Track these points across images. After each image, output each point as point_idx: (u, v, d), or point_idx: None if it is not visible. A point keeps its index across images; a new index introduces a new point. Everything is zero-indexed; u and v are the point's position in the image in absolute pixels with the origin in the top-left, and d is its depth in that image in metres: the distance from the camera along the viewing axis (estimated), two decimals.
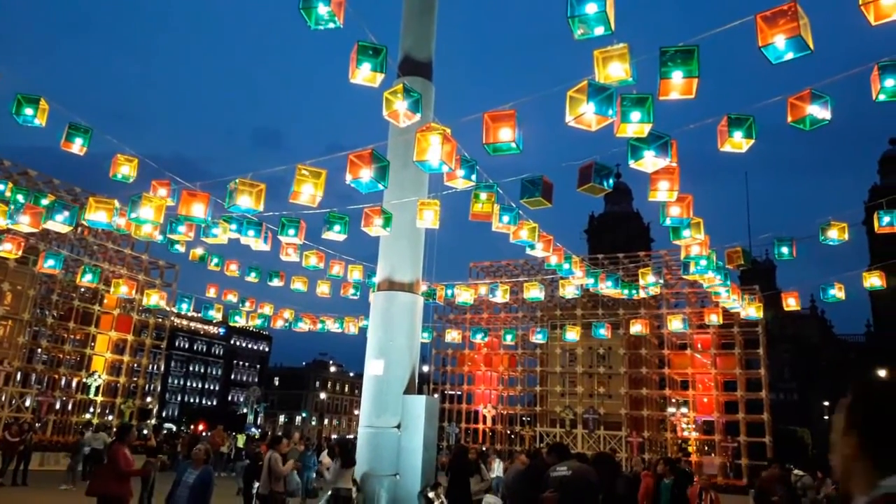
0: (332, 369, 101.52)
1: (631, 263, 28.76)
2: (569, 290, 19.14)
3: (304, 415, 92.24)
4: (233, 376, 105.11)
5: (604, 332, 23.67)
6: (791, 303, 17.88)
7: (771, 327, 46.56)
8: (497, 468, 19.09)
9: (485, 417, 35.06)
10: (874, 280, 15.84)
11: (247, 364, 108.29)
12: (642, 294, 20.61)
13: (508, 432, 35.21)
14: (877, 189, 61.77)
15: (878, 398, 1.85)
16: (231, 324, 30.43)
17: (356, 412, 70.52)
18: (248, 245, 13.84)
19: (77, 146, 10.55)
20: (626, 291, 19.21)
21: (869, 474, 1.70)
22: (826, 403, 60.91)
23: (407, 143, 12.57)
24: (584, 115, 7.73)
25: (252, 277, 19.07)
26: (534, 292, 20.31)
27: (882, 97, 8.36)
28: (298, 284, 19.73)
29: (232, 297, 22.15)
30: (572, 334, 25.32)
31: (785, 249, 13.74)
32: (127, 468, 8.66)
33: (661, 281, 20.69)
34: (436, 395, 27.19)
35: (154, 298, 22.36)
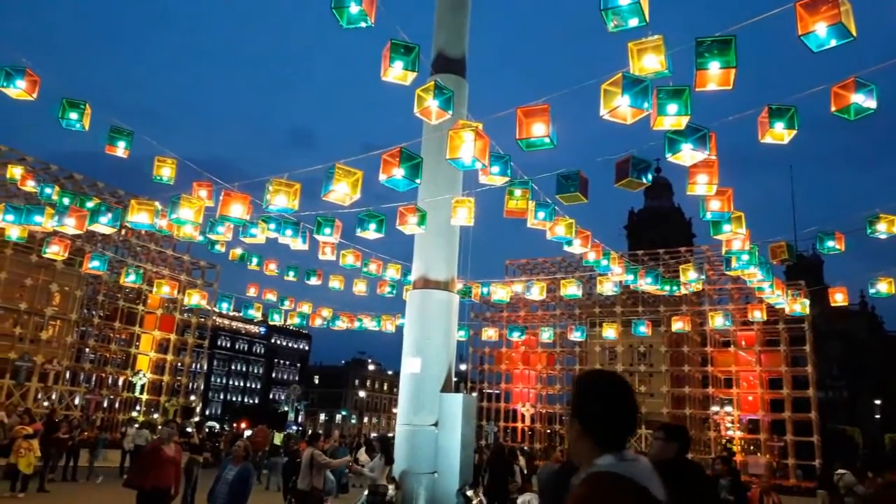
0: (371, 367, 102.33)
1: (671, 259, 28.27)
2: (607, 287, 18.89)
3: (343, 413, 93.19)
4: (274, 375, 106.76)
5: (644, 329, 23.31)
6: (839, 298, 17.34)
7: (818, 323, 45.28)
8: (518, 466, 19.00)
9: (523, 416, 34.89)
10: None
11: (287, 363, 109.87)
12: (683, 290, 20.23)
13: (548, 431, 34.96)
14: None
15: (586, 386, 2.12)
16: (271, 323, 30.84)
17: (394, 410, 71.12)
18: (287, 244, 14.02)
19: (120, 149, 10.81)
20: (666, 288, 18.89)
21: (590, 453, 1.98)
22: (877, 402, 59.04)
23: (440, 140, 12.55)
24: (618, 108, 7.60)
25: (291, 276, 19.32)
26: (571, 289, 20.10)
27: None
28: (336, 283, 19.92)
29: (271, 297, 22.48)
30: (611, 332, 25.01)
31: (831, 243, 13.32)
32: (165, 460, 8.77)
33: (703, 277, 20.28)
34: (473, 394, 27.15)
35: (195, 298, 22.83)
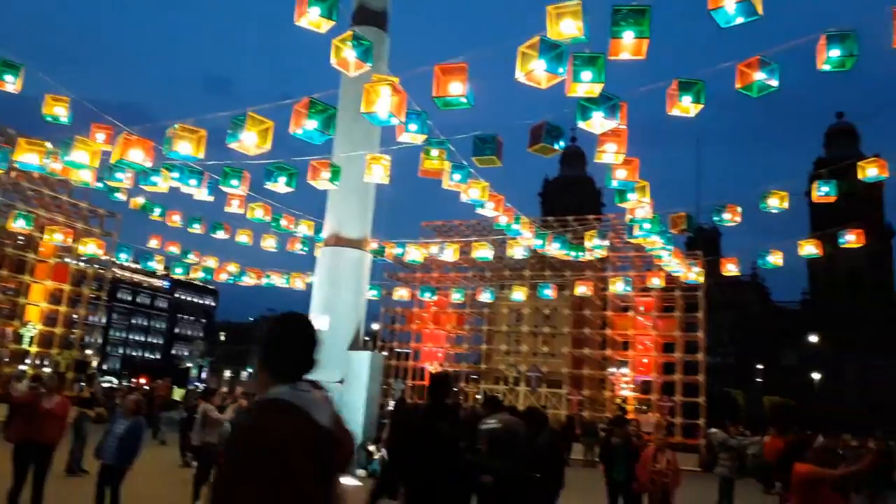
0: None
1: (580, 226, 29.07)
2: (517, 251, 19.26)
3: (249, 370, 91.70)
4: (177, 330, 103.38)
5: (549, 292, 24.00)
6: (731, 268, 18.43)
7: (712, 292, 48.03)
8: None
9: (430, 374, 35.46)
10: (810, 248, 16.40)
11: (192, 318, 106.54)
12: (588, 256, 20.91)
13: (454, 389, 35.72)
14: (821, 161, 63.62)
15: (268, 326, 2.37)
16: (175, 276, 29.71)
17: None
18: (191, 195, 13.42)
19: (10, 84, 10.03)
20: (573, 253, 19.47)
21: (266, 384, 2.24)
22: (761, 367, 63.68)
23: (358, 94, 12.27)
24: (534, 71, 7.63)
25: (196, 228, 18.57)
26: (483, 252, 20.41)
27: (826, 67, 8.49)
28: (244, 237, 19.32)
29: (174, 249, 21.58)
30: (519, 294, 25.62)
31: (727, 216, 14.06)
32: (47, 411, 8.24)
33: (607, 243, 21.01)
34: (383, 353, 27.28)
35: (90, 247, 21.62)
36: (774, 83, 8.67)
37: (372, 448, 14.86)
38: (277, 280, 24.56)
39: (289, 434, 2.07)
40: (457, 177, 12.13)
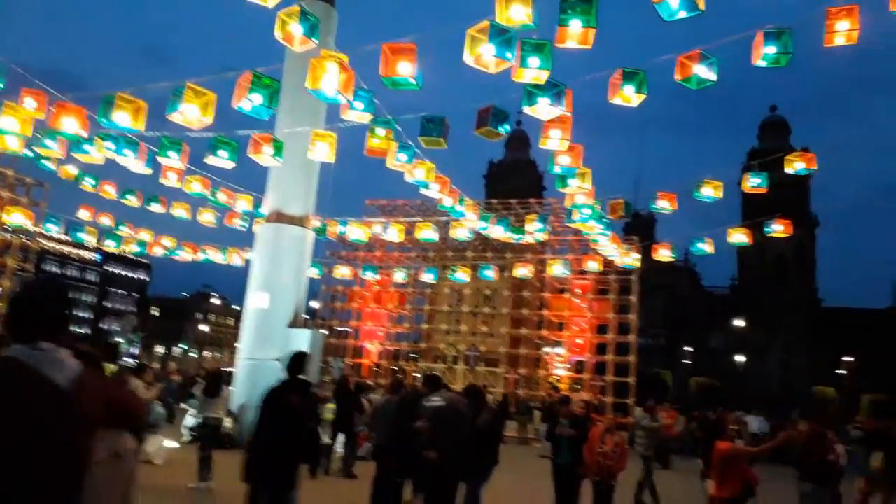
0: (216, 301, 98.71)
1: (522, 209, 29.45)
2: (461, 233, 19.41)
3: (183, 346, 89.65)
4: (108, 304, 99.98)
5: (491, 273, 24.31)
6: (664, 254, 19.05)
7: (646, 276, 49.50)
8: None
9: (371, 353, 35.49)
10: (740, 236, 17.11)
11: (123, 293, 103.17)
12: (529, 239, 21.25)
13: (393, 368, 35.87)
14: (754, 151, 66.04)
15: (17, 292, 2.48)
16: (106, 249, 28.62)
17: (238, 345, 69.35)
18: (127, 166, 12.96)
19: None
20: (514, 236, 19.75)
21: (8, 344, 2.27)
22: (689, 349, 66.22)
23: (303, 69, 12.05)
24: (483, 56, 7.69)
25: (130, 200, 17.96)
26: (427, 233, 20.46)
27: (762, 63, 8.84)
28: (180, 211, 18.77)
29: (107, 221, 20.79)
30: (461, 275, 25.86)
31: (662, 203, 14.52)
32: None
33: (548, 227, 21.39)
34: (323, 331, 27.12)
35: (16, 217, 20.65)
36: (713, 77, 8.98)
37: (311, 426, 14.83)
38: (215, 255, 24.01)
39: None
40: (402, 157, 12.11)
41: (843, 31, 8.61)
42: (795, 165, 13.88)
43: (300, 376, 5.76)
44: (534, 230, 19.26)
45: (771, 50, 8.72)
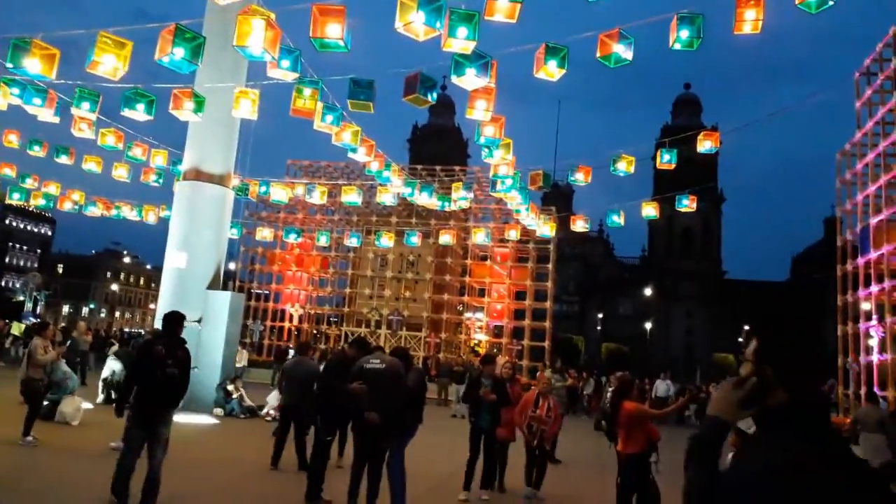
0: (127, 260, 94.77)
1: (447, 177, 29.74)
2: (386, 198, 19.46)
3: (91, 306, 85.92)
4: (8, 260, 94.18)
5: (415, 240, 24.54)
6: (579, 225, 19.83)
7: (562, 246, 51.13)
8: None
9: (291, 316, 35.25)
10: (650, 210, 17.99)
11: (25, 248, 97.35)
12: (453, 206, 21.57)
13: (315, 331, 35.80)
14: (668, 128, 68.62)
15: None
16: (10, 202, 27.02)
17: (152, 306, 67.00)
18: (34, 115, 12.30)
19: None
20: (439, 203, 20.00)
21: None
22: (600, 315, 69.00)
23: (226, 23, 11.76)
24: (412, 23, 7.78)
25: (36, 151, 17.03)
26: (352, 196, 20.40)
27: (677, 46, 9.33)
28: (91, 165, 17.94)
29: (9, 172, 19.63)
30: (386, 240, 25.98)
31: (578, 176, 15.08)
32: None
33: (472, 196, 21.76)
34: (241, 294, 26.73)
35: None
36: (629, 56, 9.39)
37: (230, 387, 14.80)
38: (128, 212, 23.11)
39: None
40: (329, 118, 12.04)
41: (750, 20, 9.18)
42: (704, 144, 14.72)
43: (173, 332, 6.63)
44: (458, 198, 19.57)
45: (684, 34, 9.20)
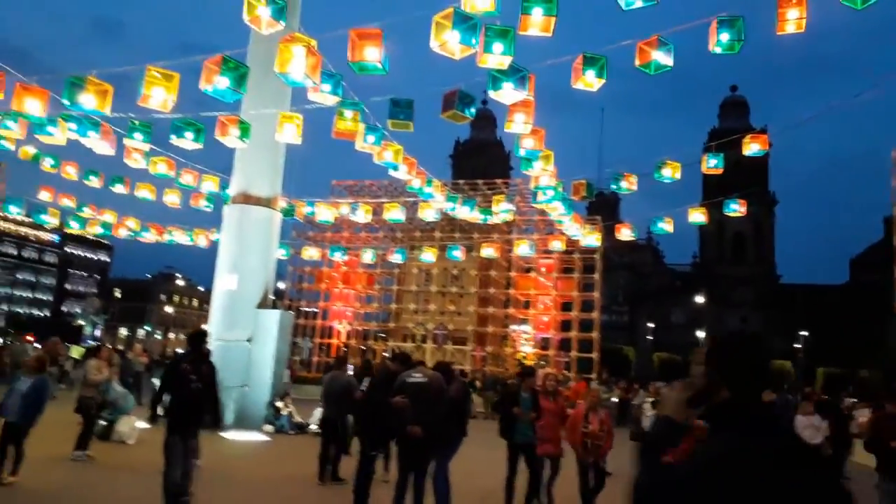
0: (180, 283, 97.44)
1: (489, 190, 29.79)
2: (428, 214, 19.60)
3: (147, 328, 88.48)
4: (68, 286, 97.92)
5: (458, 254, 24.61)
6: (625, 233, 19.56)
7: (609, 255, 50.48)
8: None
9: (339, 333, 35.66)
10: (697, 216, 17.65)
11: (84, 274, 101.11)
12: (496, 219, 21.57)
13: (362, 347, 36.13)
14: (715, 132, 67.26)
15: None
16: (67, 230, 28.12)
17: (205, 327, 68.62)
18: (90, 147, 12.84)
19: None
20: (481, 216, 20.04)
21: None
22: (651, 325, 67.72)
23: (269, 51, 12.05)
24: (448, 42, 7.87)
25: (93, 181, 17.73)
26: (394, 213, 20.62)
27: (717, 49, 9.19)
28: (145, 192, 18.61)
29: (68, 202, 20.48)
30: (429, 255, 26.11)
31: (624, 183, 14.92)
32: None
33: (514, 208, 21.72)
34: (291, 312, 27.18)
35: None
36: (670, 62, 9.30)
37: (280, 404, 15.04)
38: (180, 237, 23.84)
39: None
40: (371, 139, 12.25)
41: (793, 20, 9.00)
42: (751, 147, 14.39)
43: (198, 349, 7.19)
44: (500, 211, 19.57)
45: (725, 37, 9.06)
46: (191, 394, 6.70)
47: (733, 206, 17.56)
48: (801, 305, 63.38)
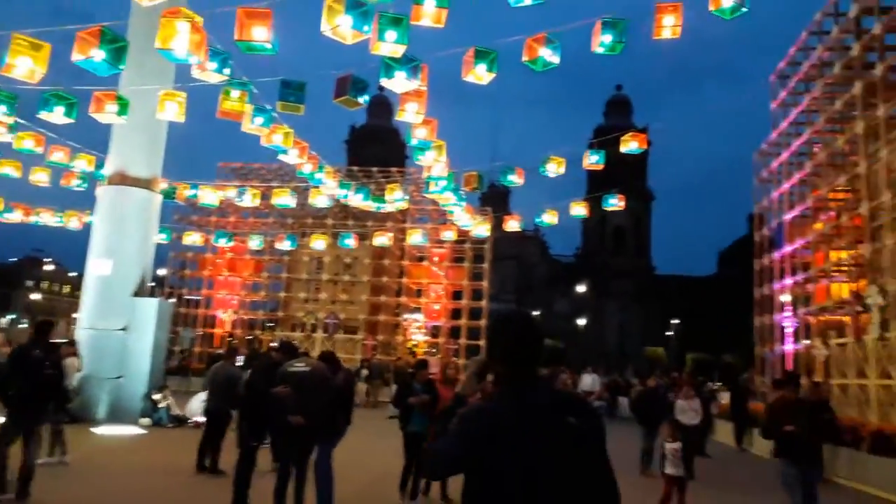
0: (49, 267, 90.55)
1: (383, 178, 29.71)
2: (320, 200, 19.29)
3: (12, 316, 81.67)
4: None
5: (351, 242, 24.41)
6: (512, 224, 20.17)
7: (500, 245, 51.70)
8: None
9: (224, 322, 34.46)
10: (579, 209, 18.48)
11: None
12: (390, 208, 21.56)
13: (248, 337, 35.10)
14: (600, 128, 70.22)
15: None
16: None
17: (76, 315, 64.31)
18: None
19: None
20: (375, 204, 19.96)
21: None
22: (537, 313, 70.06)
23: (152, 25, 11.42)
24: (340, 27, 7.78)
25: None
26: (284, 199, 20.12)
27: (600, 49, 9.61)
28: (9, 169, 17.13)
29: None
30: (321, 243, 25.71)
31: (512, 177, 15.36)
32: None
33: (408, 197, 21.81)
34: (171, 300, 25.98)
35: None
36: (556, 60, 9.62)
37: (157, 397, 14.41)
38: (49, 218, 22.11)
39: None
40: (259, 120, 11.85)
41: (669, 26, 9.55)
42: (629, 145, 15.20)
43: (45, 338, 7.48)
44: (394, 200, 19.58)
45: (608, 38, 9.49)
46: (45, 381, 6.97)
47: (612, 200, 18.51)
48: (674, 295, 67.69)
